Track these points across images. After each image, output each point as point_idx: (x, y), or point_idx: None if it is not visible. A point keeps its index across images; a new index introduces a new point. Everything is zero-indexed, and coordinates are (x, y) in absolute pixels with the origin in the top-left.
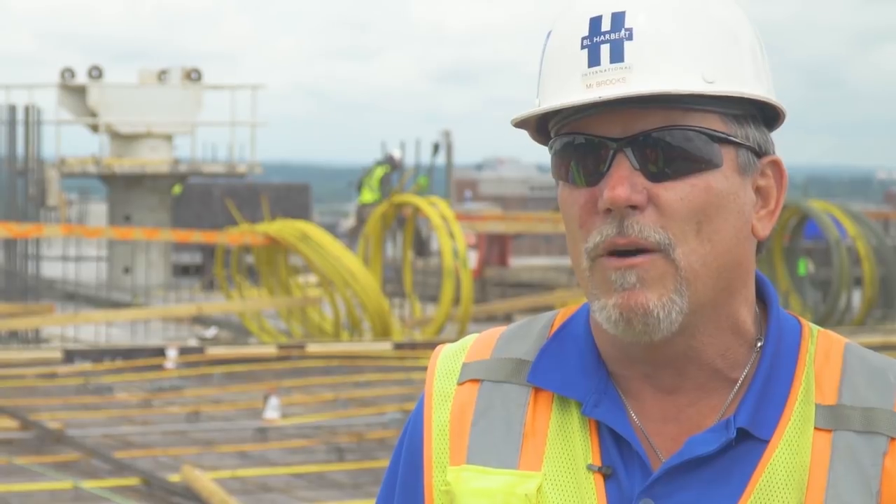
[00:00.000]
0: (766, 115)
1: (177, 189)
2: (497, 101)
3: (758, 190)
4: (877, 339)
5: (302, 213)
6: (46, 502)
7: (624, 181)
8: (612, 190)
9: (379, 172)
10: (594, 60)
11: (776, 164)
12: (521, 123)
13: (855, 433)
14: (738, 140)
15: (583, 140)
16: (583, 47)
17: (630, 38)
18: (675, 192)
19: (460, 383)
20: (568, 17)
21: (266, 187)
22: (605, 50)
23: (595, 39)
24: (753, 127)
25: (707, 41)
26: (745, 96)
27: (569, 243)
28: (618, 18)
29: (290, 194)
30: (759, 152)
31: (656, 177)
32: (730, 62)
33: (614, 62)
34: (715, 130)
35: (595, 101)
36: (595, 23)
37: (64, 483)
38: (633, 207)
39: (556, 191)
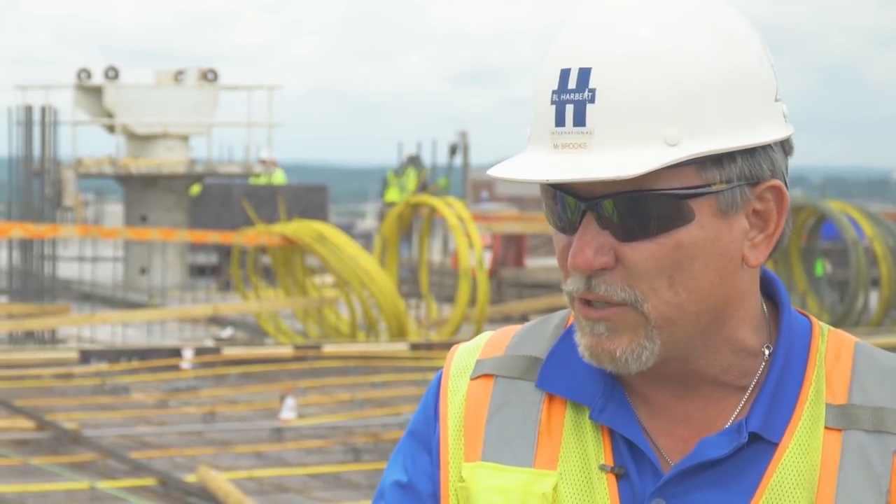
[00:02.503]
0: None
1: (195, 189)
2: (514, 102)
3: (756, 213)
4: (894, 339)
5: (319, 213)
6: (63, 503)
7: (589, 245)
8: (574, 257)
9: (413, 174)
10: (560, 120)
11: (775, 189)
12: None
13: (865, 432)
14: (713, 189)
15: (555, 193)
16: (552, 102)
17: (592, 100)
18: (642, 252)
19: (473, 378)
20: (547, 58)
21: (284, 188)
22: (569, 110)
23: (562, 97)
24: (741, 159)
25: (677, 95)
26: (715, 152)
27: None
28: (583, 76)
29: (309, 195)
30: (754, 181)
31: (623, 237)
32: (709, 110)
33: (577, 125)
34: (685, 188)
35: (549, 181)
36: (564, 77)
37: (80, 483)
38: (601, 269)
39: None
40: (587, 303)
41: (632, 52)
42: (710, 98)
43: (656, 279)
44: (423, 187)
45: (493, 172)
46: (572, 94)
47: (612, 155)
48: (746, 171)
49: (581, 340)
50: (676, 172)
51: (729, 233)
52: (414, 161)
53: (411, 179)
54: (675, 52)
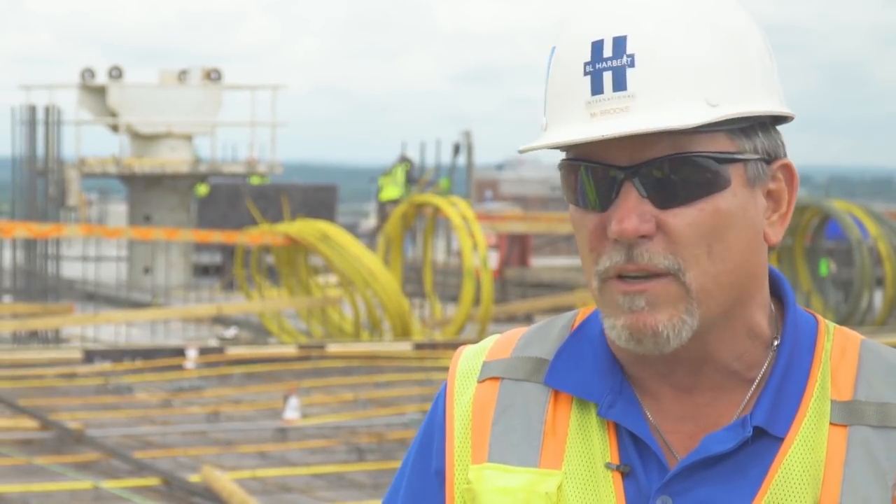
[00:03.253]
0: (774, 116)
1: (203, 190)
2: (518, 101)
3: (769, 194)
4: None
5: (328, 213)
6: (66, 502)
7: (632, 212)
8: (619, 223)
9: (401, 170)
10: (597, 88)
11: (787, 167)
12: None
13: (870, 428)
14: (746, 157)
15: (589, 166)
16: (585, 73)
17: (632, 64)
18: (684, 218)
19: (480, 381)
20: (570, 38)
21: (293, 188)
22: (607, 77)
23: (597, 66)
24: (762, 135)
25: (711, 60)
26: (749, 115)
27: (581, 260)
28: (619, 44)
29: (318, 195)
30: (769, 159)
31: (664, 204)
32: (735, 78)
33: (617, 90)
34: (722, 152)
35: (597, 138)
36: (597, 47)
37: (84, 483)
38: (643, 236)
39: None
40: (622, 280)
41: (665, 19)
42: (742, 65)
43: (697, 246)
44: (422, 182)
45: (538, 143)
46: (609, 62)
47: (659, 114)
48: (766, 145)
49: (617, 322)
50: (713, 138)
51: (754, 206)
52: (404, 160)
53: (400, 174)
54: (705, 19)
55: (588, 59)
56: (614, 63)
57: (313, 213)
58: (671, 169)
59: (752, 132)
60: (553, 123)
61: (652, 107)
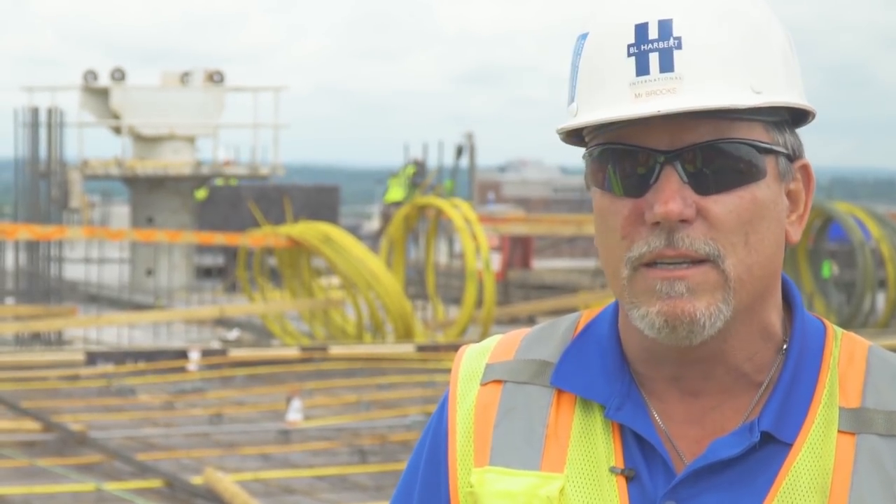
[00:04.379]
0: (795, 116)
1: (201, 194)
2: (521, 103)
3: (788, 194)
4: None
5: (331, 214)
6: None
7: (675, 195)
8: (664, 205)
9: (409, 170)
10: (643, 69)
11: (805, 168)
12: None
13: (879, 436)
14: (779, 149)
15: (627, 150)
16: (630, 55)
17: (679, 47)
18: (724, 205)
19: (483, 384)
20: (607, 21)
21: (296, 189)
22: (653, 59)
23: (643, 47)
24: (789, 132)
25: (751, 49)
26: (792, 106)
27: (603, 250)
28: (665, 26)
29: (321, 196)
30: (793, 157)
31: (705, 189)
32: (771, 70)
33: (664, 72)
34: (761, 141)
35: (653, 114)
36: (641, 30)
37: (86, 485)
38: (683, 221)
39: (578, 193)
40: (659, 267)
41: (710, 5)
42: (778, 52)
43: (735, 234)
44: (427, 186)
45: (582, 120)
46: (655, 44)
47: (708, 95)
48: (792, 143)
49: (651, 309)
50: (751, 128)
51: (781, 201)
52: (415, 162)
53: (405, 175)
54: (746, 10)
55: (632, 40)
56: (661, 45)
57: (315, 214)
58: (713, 154)
59: (783, 127)
60: (589, 106)
61: (699, 89)
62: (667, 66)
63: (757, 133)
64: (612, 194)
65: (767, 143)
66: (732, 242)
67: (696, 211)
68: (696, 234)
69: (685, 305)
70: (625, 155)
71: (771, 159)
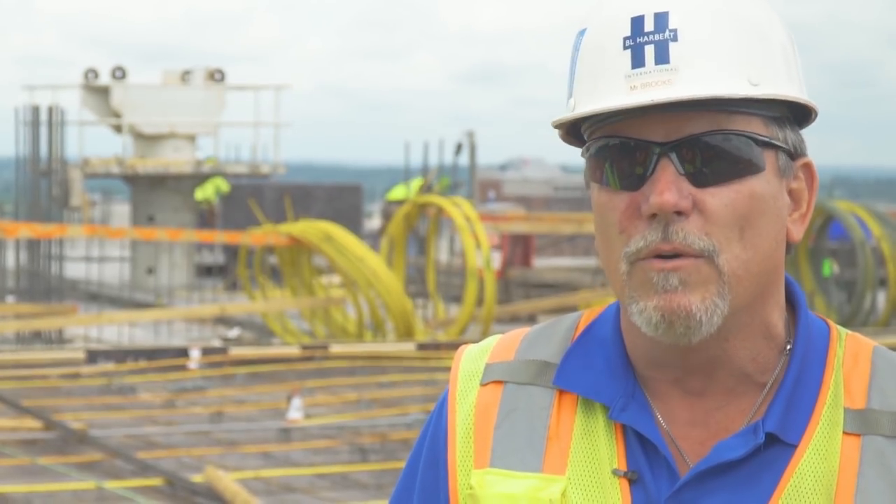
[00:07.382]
0: (797, 114)
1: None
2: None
3: (790, 193)
4: None
5: (353, 213)
6: (69, 502)
7: (670, 186)
8: (659, 195)
9: (416, 185)
10: (638, 61)
11: (808, 167)
12: (558, 124)
13: (884, 437)
14: (778, 143)
15: (623, 143)
16: (625, 48)
17: (675, 39)
18: (720, 198)
19: (483, 384)
20: (605, 15)
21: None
22: (649, 51)
23: (638, 40)
24: (790, 129)
25: (748, 43)
26: (790, 99)
27: (602, 246)
28: (661, 19)
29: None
30: (794, 155)
31: (701, 182)
32: (769, 64)
33: (659, 63)
34: (759, 134)
35: (648, 103)
36: (637, 23)
37: (87, 483)
38: (679, 213)
39: (579, 192)
40: (657, 258)
41: (702, 1)
42: (778, 48)
43: (731, 229)
44: (427, 188)
45: (576, 112)
46: (651, 36)
47: (701, 85)
48: (793, 140)
49: (648, 304)
50: (749, 121)
51: (782, 197)
52: (425, 182)
53: (414, 187)
54: (744, 5)
55: (628, 33)
56: (656, 37)
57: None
58: (710, 146)
59: (783, 123)
60: (586, 99)
61: (695, 81)
62: (662, 58)
63: (755, 126)
64: (610, 189)
65: (766, 137)
66: (727, 237)
67: (692, 203)
68: (691, 227)
69: (680, 299)
70: (622, 149)
71: (770, 154)
